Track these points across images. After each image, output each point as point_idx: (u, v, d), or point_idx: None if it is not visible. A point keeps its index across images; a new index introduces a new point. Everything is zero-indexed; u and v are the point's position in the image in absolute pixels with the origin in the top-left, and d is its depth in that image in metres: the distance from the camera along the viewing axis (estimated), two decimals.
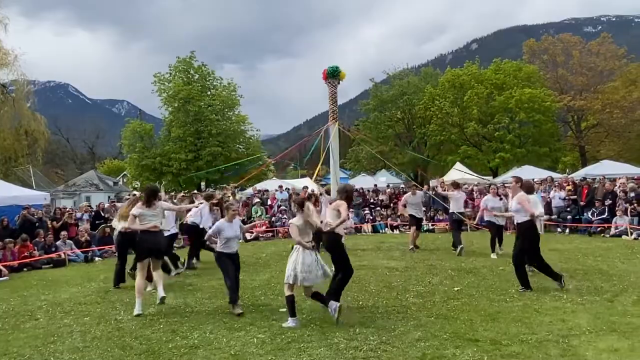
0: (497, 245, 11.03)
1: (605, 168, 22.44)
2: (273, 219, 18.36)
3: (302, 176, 37.23)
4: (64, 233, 13.81)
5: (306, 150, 12.12)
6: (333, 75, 10.20)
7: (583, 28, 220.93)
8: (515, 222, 7.94)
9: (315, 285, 6.26)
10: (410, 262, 10.67)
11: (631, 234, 13.62)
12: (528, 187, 7.94)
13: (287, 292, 6.14)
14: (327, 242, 6.65)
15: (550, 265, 7.65)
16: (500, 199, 11.66)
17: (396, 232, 17.47)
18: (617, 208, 14.69)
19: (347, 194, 6.96)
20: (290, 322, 6.05)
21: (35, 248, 12.87)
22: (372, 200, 20.15)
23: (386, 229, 18.09)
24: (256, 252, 12.89)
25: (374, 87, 38.66)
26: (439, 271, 9.32)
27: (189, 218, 10.75)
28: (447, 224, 17.30)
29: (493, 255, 10.77)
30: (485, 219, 11.31)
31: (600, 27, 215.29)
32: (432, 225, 17.33)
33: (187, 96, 29.23)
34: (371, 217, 18.70)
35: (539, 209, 7.85)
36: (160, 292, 7.07)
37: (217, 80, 31.97)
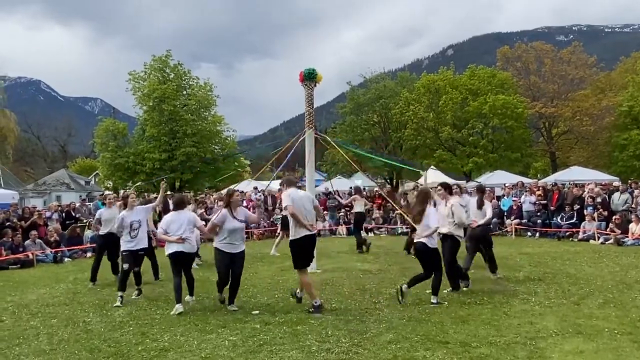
0: None
1: (574, 174, 23.03)
2: None
3: (278, 178, 37.06)
4: (34, 232, 13.48)
5: (285, 155, 11.95)
6: (309, 78, 10.14)
7: (555, 36, 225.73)
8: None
9: None
10: (384, 264, 10.74)
11: (598, 238, 13.96)
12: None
13: None
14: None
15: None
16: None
17: (371, 234, 17.54)
18: (585, 213, 15.05)
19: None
20: None
21: (2, 248, 12.56)
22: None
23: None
24: None
25: (350, 90, 38.81)
26: (412, 274, 9.33)
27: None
28: None
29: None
30: None
31: (572, 36, 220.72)
32: (407, 228, 17.41)
33: (162, 95, 28.81)
34: (346, 220, 18.76)
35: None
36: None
37: (193, 80, 31.57)
